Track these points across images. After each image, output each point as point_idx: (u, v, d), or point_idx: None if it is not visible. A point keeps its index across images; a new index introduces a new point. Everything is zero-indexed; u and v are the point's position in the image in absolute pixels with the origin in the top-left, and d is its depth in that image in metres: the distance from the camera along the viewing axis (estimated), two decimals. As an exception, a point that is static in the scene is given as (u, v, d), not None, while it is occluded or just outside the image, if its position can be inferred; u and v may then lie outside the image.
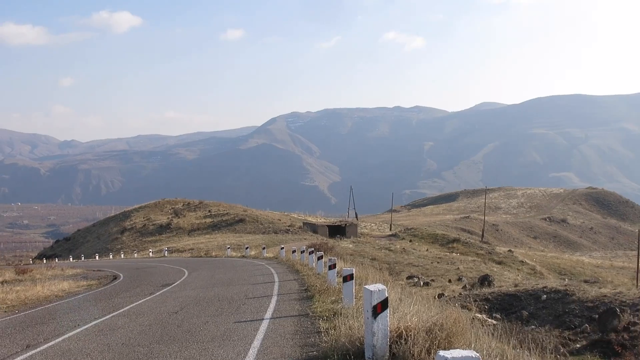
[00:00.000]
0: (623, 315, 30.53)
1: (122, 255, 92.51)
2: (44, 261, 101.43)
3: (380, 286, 10.83)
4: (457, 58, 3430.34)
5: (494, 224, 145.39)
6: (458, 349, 7.48)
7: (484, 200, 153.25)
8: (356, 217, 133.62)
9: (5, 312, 24.63)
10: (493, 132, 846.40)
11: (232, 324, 16.13)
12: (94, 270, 53.47)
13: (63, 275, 48.18)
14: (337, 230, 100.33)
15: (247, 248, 59.70)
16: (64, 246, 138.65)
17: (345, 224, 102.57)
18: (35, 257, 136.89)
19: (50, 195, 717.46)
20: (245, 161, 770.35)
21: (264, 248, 55.59)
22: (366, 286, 11.01)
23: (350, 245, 79.87)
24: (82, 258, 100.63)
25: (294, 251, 41.95)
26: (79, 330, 17.18)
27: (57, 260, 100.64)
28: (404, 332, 10.77)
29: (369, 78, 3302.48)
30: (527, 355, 11.96)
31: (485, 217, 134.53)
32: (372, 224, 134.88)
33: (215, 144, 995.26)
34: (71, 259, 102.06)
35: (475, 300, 37.48)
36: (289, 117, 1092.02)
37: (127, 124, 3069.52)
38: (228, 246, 67.22)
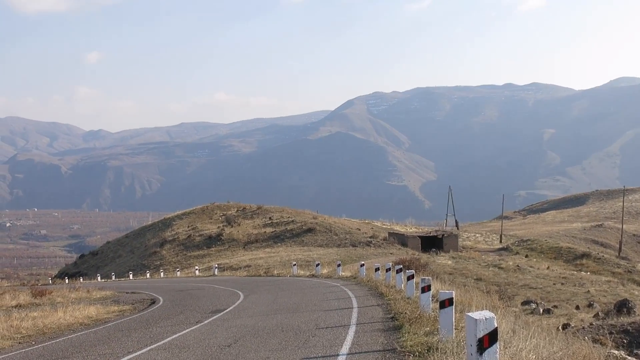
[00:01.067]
0: None
1: (162, 274, 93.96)
2: (66, 281, 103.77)
3: (487, 314, 10.73)
4: (587, 19, 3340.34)
5: (635, 234, 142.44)
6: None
7: (621, 204, 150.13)
8: (456, 225, 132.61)
9: (19, 343, 25.31)
10: (633, 116, 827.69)
11: (299, 361, 16.19)
12: (127, 293, 54.42)
13: (89, 298, 49.20)
14: (431, 243, 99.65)
15: (317, 265, 59.81)
16: (90, 262, 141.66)
17: (443, 235, 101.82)
18: (55, 276, 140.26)
19: (73, 199, 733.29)
20: (315, 155, 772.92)
21: (339, 265, 55.63)
22: (469, 314, 10.93)
23: (449, 262, 79.25)
24: (113, 277, 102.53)
25: (377, 269, 41.84)
26: (109, 366, 17.54)
27: (82, 279, 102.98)
28: (518, 373, 10.66)
29: (471, 48, 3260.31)
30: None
31: (624, 226, 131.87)
32: (477, 235, 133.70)
33: (277, 133, 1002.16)
34: (99, 278, 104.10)
35: (610, 333, 36.80)
36: (370, 98, 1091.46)
37: (168, 110, 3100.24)
38: (294, 262, 67.52)
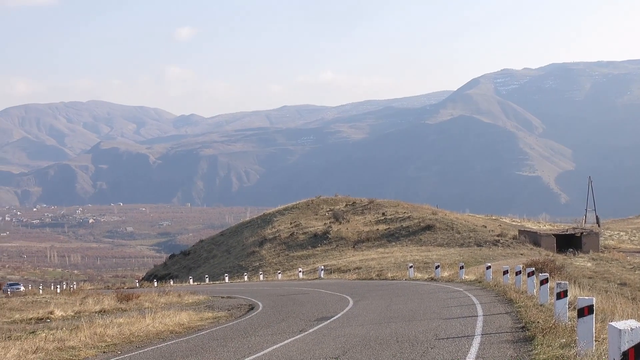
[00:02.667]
0: None
1: (261, 277, 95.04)
2: (155, 284, 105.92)
3: (633, 324, 10.61)
4: None
5: None
6: None
7: None
8: (597, 222, 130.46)
9: (104, 352, 26.01)
10: None
11: (416, 376, 16.25)
12: (222, 297, 55.29)
13: (180, 303, 50.16)
14: (568, 242, 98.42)
15: (437, 267, 59.69)
16: (181, 263, 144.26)
17: (581, 233, 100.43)
18: (142, 278, 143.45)
19: (162, 193, 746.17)
20: (435, 142, 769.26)
21: (461, 267, 55.40)
22: (612, 323, 10.82)
23: (589, 264, 78.21)
24: (207, 280, 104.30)
25: (505, 272, 41.55)
26: (202, 379, 17.89)
27: (172, 282, 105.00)
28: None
29: (616, 17, 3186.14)
30: None
31: None
32: (622, 233, 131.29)
33: (391, 117, 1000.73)
34: (191, 281, 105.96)
35: None
36: (498, 76, 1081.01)
37: (268, 91, 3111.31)
38: (410, 264, 67.51)
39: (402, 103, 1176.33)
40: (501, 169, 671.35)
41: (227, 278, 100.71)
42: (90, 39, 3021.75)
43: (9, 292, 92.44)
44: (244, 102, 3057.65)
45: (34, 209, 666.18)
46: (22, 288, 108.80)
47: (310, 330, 26.79)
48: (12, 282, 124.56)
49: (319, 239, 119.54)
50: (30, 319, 43.89)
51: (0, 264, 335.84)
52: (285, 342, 23.95)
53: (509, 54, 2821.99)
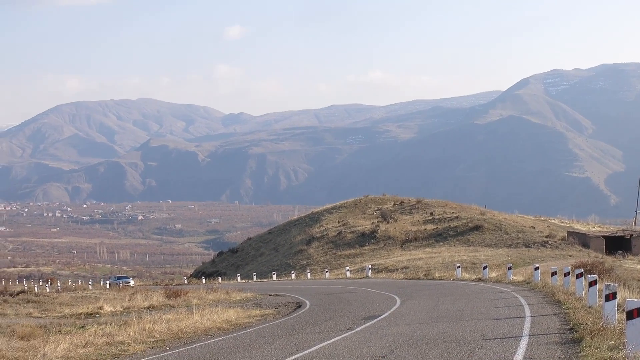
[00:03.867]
0: None
1: (309, 275, 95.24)
2: (203, 281, 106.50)
3: (683, 326, 10.53)
4: None
5: None
6: None
7: None
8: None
9: (152, 347, 26.21)
10: None
11: (463, 376, 16.24)
12: (270, 295, 55.50)
13: (228, 300, 50.41)
14: (618, 244, 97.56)
15: (485, 267, 59.49)
16: (229, 260, 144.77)
17: (631, 235, 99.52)
18: (191, 275, 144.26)
19: (210, 190, 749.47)
20: (483, 142, 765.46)
21: (509, 268, 55.17)
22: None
23: (639, 266, 77.48)
24: (254, 277, 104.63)
25: (554, 273, 41.33)
26: (250, 376, 17.99)
27: (220, 279, 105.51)
28: None
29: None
30: None
31: None
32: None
33: (439, 117, 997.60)
34: (239, 278, 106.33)
35: None
36: (548, 77, 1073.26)
37: (317, 90, 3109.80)
38: (458, 264, 67.34)
39: (450, 103, 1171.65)
40: (550, 170, 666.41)
41: (274, 276, 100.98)
42: (141, 38, 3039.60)
43: (120, 285, 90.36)
44: (292, 101, 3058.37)
45: (84, 206, 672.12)
46: (132, 282, 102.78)
47: (358, 329, 26.84)
48: (120, 275, 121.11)
49: (366, 238, 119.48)
50: (80, 313, 44.28)
51: (51, 259, 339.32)
52: (333, 340, 24.01)
53: (559, 54, 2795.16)
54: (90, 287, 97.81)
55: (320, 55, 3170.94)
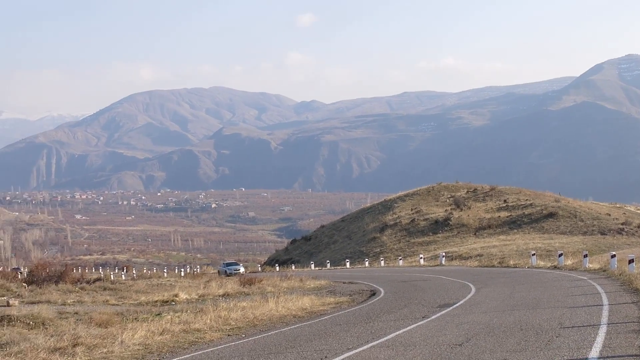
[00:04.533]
0: None
1: (382, 262, 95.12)
2: (277, 268, 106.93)
3: None
4: None
5: None
6: None
7: None
8: None
9: (228, 335, 26.39)
10: None
11: (541, 365, 16.08)
12: (343, 283, 55.55)
13: (302, 288, 50.53)
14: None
15: (560, 255, 58.91)
16: (302, 248, 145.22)
17: None
18: (264, 263, 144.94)
19: (283, 178, 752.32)
20: (557, 128, 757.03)
21: (585, 256, 54.55)
22: None
23: None
24: (328, 265, 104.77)
25: (631, 261, 40.75)
26: (326, 364, 18.00)
27: (293, 267, 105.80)
28: None
29: None
30: None
31: None
32: None
33: (512, 103, 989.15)
34: (312, 266, 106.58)
35: None
36: (623, 62, 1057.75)
37: (389, 77, 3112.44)
38: (532, 252, 66.72)
39: (523, 89, 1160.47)
40: (625, 156, 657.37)
41: (348, 264, 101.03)
42: (213, 26, 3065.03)
43: (227, 273, 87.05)
44: (364, 88, 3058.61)
45: (158, 194, 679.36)
46: (242, 270, 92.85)
47: (433, 317, 26.76)
48: (229, 262, 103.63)
49: (439, 226, 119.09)
50: (156, 301, 44.67)
51: (126, 247, 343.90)
52: (408, 328, 23.96)
53: (634, 39, 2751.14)
54: (165, 274, 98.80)
55: (392, 42, 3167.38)
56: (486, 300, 32.26)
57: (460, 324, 23.87)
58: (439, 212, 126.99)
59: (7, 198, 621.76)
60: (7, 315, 31.32)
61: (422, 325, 24.37)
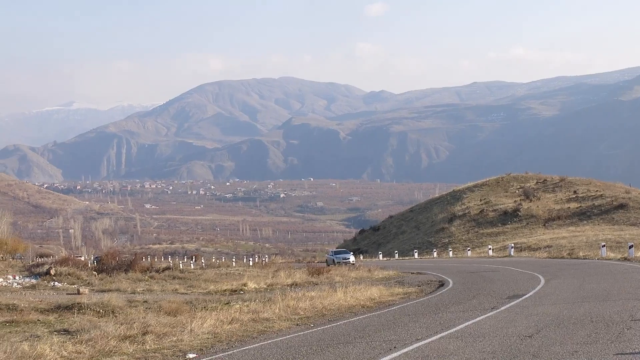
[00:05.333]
0: None
1: (450, 253, 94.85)
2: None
3: None
4: None
5: None
6: None
7: None
8: None
9: (297, 325, 26.49)
10: None
11: (613, 357, 15.93)
12: (412, 273, 55.51)
13: (371, 278, 50.60)
14: None
15: (631, 247, 58.32)
16: (371, 238, 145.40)
17: None
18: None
19: (352, 168, 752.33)
20: (628, 118, 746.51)
21: (657, 248, 54.01)
22: None
23: None
24: (396, 255, 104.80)
25: None
26: (395, 354, 17.99)
27: (361, 257, 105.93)
28: None
29: None
30: None
31: None
32: None
33: (583, 93, 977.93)
34: (380, 256, 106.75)
35: None
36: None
37: (458, 68, 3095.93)
38: (602, 243, 66.14)
39: (594, 79, 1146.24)
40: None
41: (416, 254, 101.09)
42: (283, 16, 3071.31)
43: (335, 262, 79.84)
44: (433, 78, 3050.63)
45: (227, 183, 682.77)
46: (353, 259, 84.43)
47: (502, 308, 26.63)
48: (338, 250, 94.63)
49: (508, 217, 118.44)
50: (225, 290, 44.92)
51: (195, 236, 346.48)
52: (477, 319, 23.87)
53: None
54: (233, 264, 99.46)
55: (462, 32, 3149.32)
56: (556, 291, 32.04)
57: (530, 316, 23.74)
58: (508, 203, 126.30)
59: (78, 187, 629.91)
60: (78, 303, 31.77)
61: (491, 317, 24.27)
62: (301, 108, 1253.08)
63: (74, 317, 28.58)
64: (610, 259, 57.04)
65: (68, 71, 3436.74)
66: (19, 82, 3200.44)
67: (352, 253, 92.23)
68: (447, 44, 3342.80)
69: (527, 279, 40.95)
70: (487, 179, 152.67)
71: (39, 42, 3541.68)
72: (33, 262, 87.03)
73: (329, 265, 70.88)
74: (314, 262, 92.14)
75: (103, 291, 43.74)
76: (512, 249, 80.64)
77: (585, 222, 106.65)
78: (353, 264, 75.55)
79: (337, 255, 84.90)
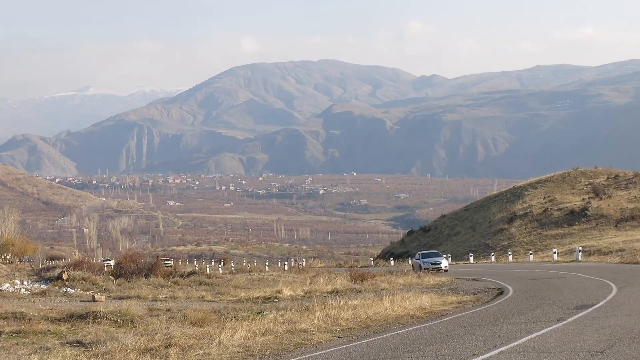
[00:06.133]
0: None
1: (510, 257, 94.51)
2: (391, 263, 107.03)
3: None
4: None
5: None
6: None
7: None
8: None
9: (338, 337, 26.43)
10: None
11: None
12: (467, 279, 55.36)
13: (421, 285, 50.51)
14: None
15: None
16: (420, 240, 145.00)
17: None
18: (378, 256, 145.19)
19: (399, 162, 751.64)
20: None
21: None
22: None
23: None
24: (449, 259, 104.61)
25: None
26: (449, 371, 17.93)
27: (410, 261, 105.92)
28: None
29: None
30: None
31: None
32: None
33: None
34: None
35: None
36: None
37: (519, 50, 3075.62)
38: (683, 247, 65.78)
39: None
40: None
41: (471, 258, 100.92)
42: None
43: (422, 267, 72.26)
44: (491, 61, 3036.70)
45: (260, 178, 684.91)
46: (445, 264, 74.56)
47: (569, 320, 26.47)
48: (427, 252, 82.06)
49: (575, 217, 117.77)
50: (257, 298, 45.03)
51: (224, 237, 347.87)
52: (542, 332, 23.74)
53: None
54: (266, 268, 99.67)
55: (523, 10, 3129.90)
56: (630, 301, 31.86)
57: (601, 328, 23.60)
58: (575, 201, 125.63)
59: (94, 182, 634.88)
60: (93, 312, 31.95)
61: (557, 329, 24.13)
62: (343, 94, 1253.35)
63: (88, 328, 28.75)
64: (691, 265, 56.70)
65: (83, 52, 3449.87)
66: (28, 64, 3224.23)
67: (444, 256, 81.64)
68: (507, 22, 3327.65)
69: (597, 286, 40.73)
70: (552, 174, 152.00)
71: (50, 19, 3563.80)
72: (43, 266, 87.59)
73: (415, 271, 67.86)
74: (356, 266, 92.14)
75: (121, 298, 44.02)
76: (580, 253, 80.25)
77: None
78: (446, 270, 71.48)
79: (426, 260, 75.72)
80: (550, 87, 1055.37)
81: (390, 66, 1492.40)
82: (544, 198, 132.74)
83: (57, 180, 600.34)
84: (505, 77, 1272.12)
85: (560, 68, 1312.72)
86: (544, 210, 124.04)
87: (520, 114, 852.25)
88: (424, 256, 77.50)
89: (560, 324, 25.33)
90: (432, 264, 72.59)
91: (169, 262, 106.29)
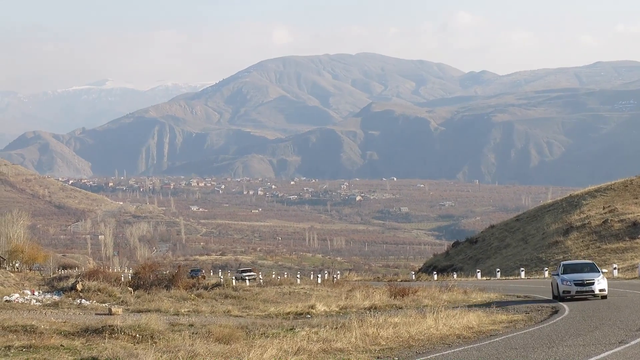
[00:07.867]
0: None
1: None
2: (434, 277, 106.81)
3: None
4: None
5: None
6: None
7: None
8: None
9: (377, 357, 26.46)
10: None
11: None
12: (518, 297, 55.23)
13: (467, 302, 50.43)
14: None
15: None
16: (466, 253, 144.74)
17: None
18: (419, 270, 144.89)
19: (444, 166, 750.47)
20: None
21: None
22: None
23: None
24: (498, 275, 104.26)
25: None
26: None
27: (455, 276, 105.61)
28: None
29: None
30: None
31: None
32: None
33: None
34: (479, 275, 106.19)
35: None
36: None
37: (578, 44, 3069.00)
38: None
39: None
40: None
41: (523, 273, 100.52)
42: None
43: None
44: (547, 57, 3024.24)
45: (292, 183, 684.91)
46: (602, 286, 50.53)
47: (632, 343, 26.45)
48: (571, 264, 64.79)
49: (639, 229, 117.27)
50: (288, 313, 45.17)
51: (251, 246, 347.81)
52: (602, 355, 23.71)
53: None
54: (298, 281, 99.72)
55: (582, 1, 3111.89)
56: (699, 323, 31.67)
57: (669, 353, 23.50)
58: (638, 212, 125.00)
59: (110, 184, 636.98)
60: (110, 326, 32.10)
61: (619, 353, 24.08)
62: (383, 91, 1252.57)
63: (104, 343, 28.91)
64: None
65: (100, 42, 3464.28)
66: (40, 55, 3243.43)
67: (601, 272, 52.23)
68: (565, 13, 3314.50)
69: (663, 306, 40.55)
70: (613, 182, 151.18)
71: (64, 6, 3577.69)
72: (55, 275, 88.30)
73: (560, 297, 49.98)
74: (396, 280, 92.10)
75: (140, 311, 44.27)
76: (644, 269, 79.70)
77: None
78: (604, 296, 49.34)
79: (566, 277, 51.25)
80: (613, 85, 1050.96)
81: (435, 61, 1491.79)
82: (604, 208, 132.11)
83: (71, 181, 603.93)
84: (563, 74, 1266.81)
85: (623, 64, 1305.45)
86: (603, 222, 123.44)
87: (579, 115, 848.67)
88: (567, 269, 53.03)
89: (621, 347, 25.28)
90: (575, 284, 49.83)
91: (200, 272, 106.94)
